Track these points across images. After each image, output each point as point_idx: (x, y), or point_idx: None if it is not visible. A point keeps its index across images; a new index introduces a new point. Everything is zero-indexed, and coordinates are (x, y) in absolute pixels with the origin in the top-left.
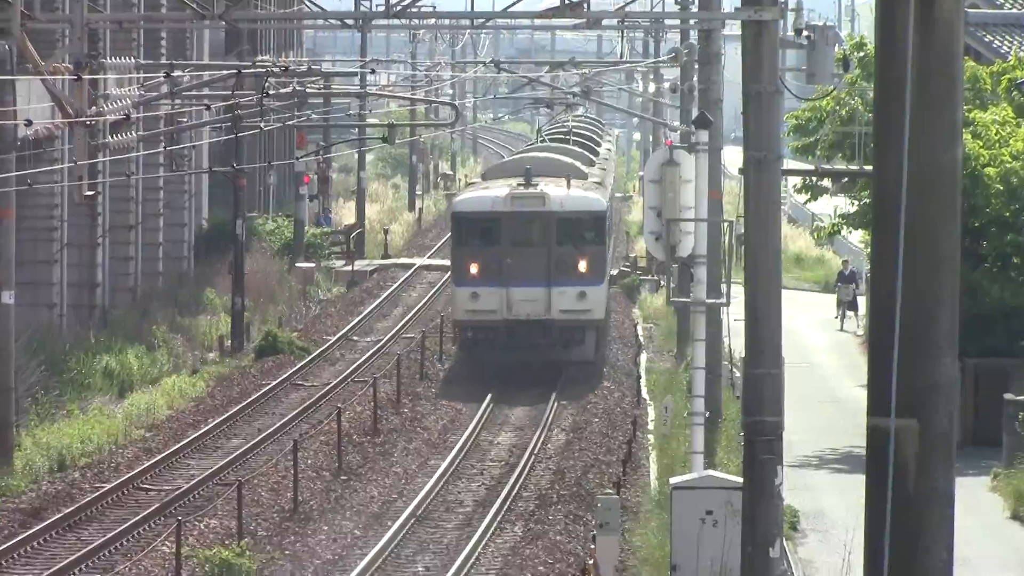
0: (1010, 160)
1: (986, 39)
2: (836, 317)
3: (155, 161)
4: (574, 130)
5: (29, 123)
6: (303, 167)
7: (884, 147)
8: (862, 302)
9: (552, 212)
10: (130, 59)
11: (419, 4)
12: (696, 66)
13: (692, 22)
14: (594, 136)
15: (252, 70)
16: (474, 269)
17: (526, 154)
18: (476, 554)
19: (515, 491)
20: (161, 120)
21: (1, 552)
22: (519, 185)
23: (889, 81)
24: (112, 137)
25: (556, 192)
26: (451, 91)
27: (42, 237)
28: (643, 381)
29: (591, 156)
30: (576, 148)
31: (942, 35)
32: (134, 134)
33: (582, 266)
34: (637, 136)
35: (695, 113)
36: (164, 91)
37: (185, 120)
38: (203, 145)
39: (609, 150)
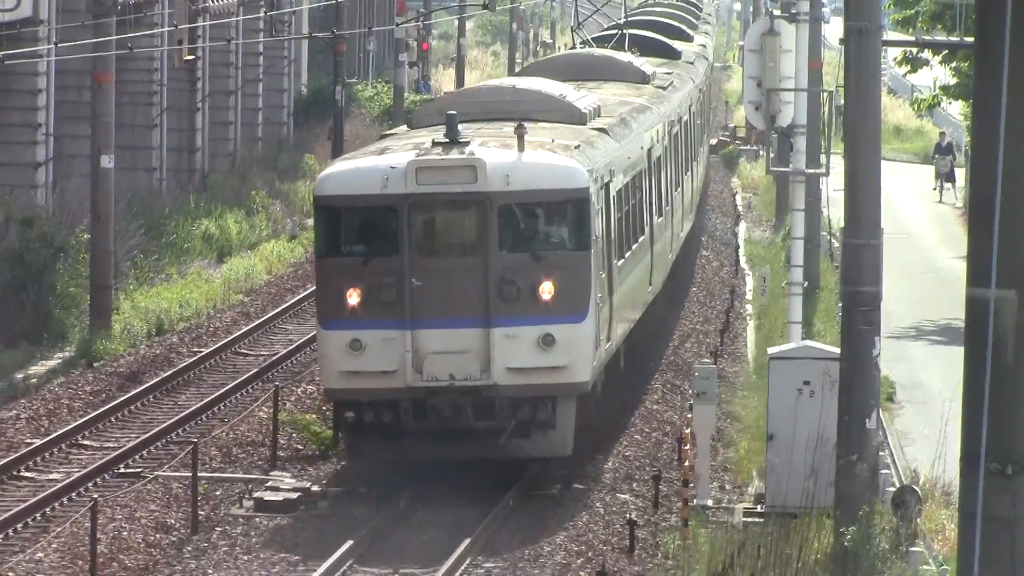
0: None
1: None
2: (934, 189)
3: (255, 26)
4: (636, 20)
5: None
6: (403, 33)
7: (986, 14)
8: (959, 174)
9: (489, 193)
10: None
11: None
12: None
13: None
14: (679, 26)
15: None
16: (354, 298)
17: (500, 83)
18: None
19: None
20: None
21: (99, 415)
22: (435, 145)
23: None
24: (212, 2)
25: (497, 157)
26: None
27: (142, 101)
28: (741, 251)
29: (643, 70)
30: (621, 58)
31: None
32: None
33: (546, 289)
34: (738, 6)
35: None
36: None
37: None
38: (303, 10)
39: (703, 45)
